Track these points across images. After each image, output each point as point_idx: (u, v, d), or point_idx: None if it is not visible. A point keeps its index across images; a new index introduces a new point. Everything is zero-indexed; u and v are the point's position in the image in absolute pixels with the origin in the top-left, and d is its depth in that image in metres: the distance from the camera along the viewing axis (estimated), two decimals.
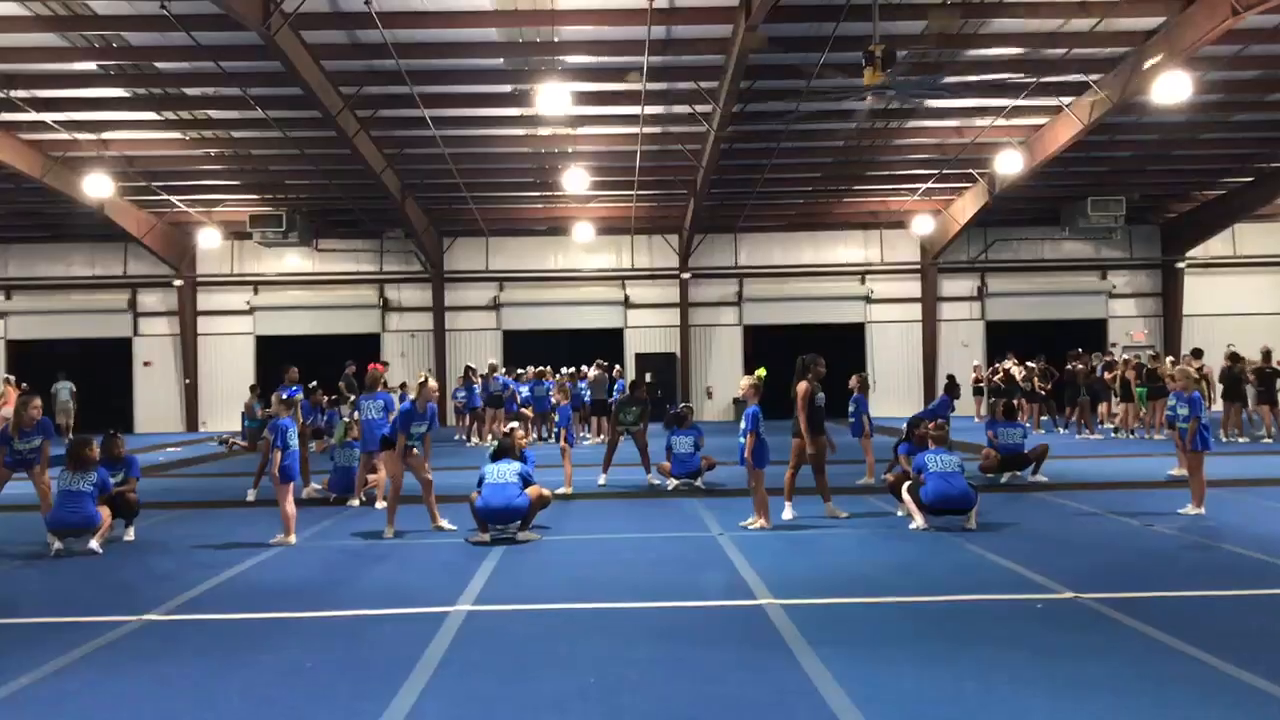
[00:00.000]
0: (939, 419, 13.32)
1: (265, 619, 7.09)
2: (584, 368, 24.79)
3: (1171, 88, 17.89)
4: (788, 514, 10.90)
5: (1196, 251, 32.07)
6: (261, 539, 10.25)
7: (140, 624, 6.91)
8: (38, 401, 10.81)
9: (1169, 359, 22.36)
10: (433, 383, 11.05)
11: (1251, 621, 6.66)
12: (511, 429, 11.06)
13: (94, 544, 9.70)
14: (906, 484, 10.71)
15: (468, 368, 24.53)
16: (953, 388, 15.23)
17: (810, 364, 11.14)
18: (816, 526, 10.60)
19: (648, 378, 31.26)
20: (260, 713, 5.10)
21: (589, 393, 24.07)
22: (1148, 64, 18.31)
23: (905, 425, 13.15)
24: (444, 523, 10.75)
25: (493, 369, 24.63)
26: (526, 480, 10.08)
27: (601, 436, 23.20)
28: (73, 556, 9.56)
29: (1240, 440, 19.75)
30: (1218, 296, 32.05)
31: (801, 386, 11.01)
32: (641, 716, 4.93)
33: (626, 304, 32.48)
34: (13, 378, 26.30)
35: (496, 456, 10.36)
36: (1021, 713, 4.90)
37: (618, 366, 26.47)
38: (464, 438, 23.72)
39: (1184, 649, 5.87)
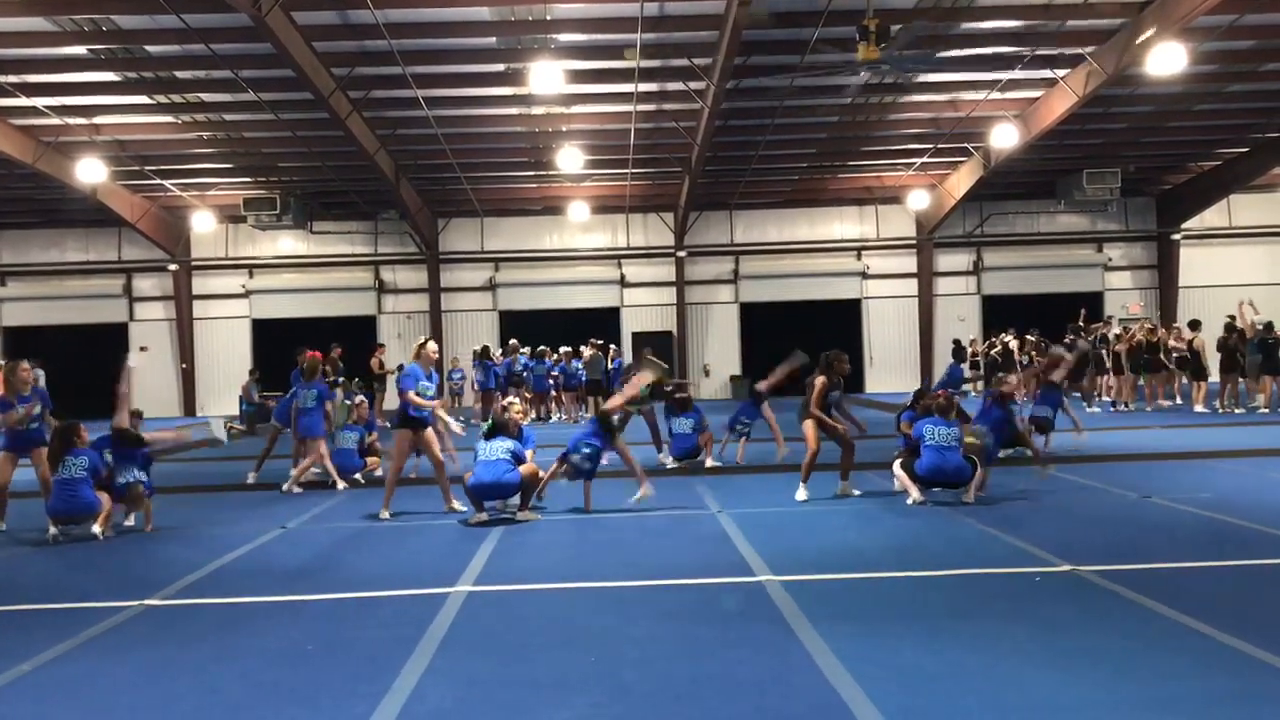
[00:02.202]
0: (949, 389, 13.41)
1: (265, 602, 7.10)
2: (581, 348, 24.75)
3: (1166, 59, 17.83)
4: (801, 495, 10.78)
5: (1192, 223, 32.09)
6: (261, 523, 10.26)
7: (141, 609, 6.91)
8: (26, 364, 10.63)
9: (1162, 330, 22.33)
10: (432, 345, 10.87)
11: (1250, 592, 6.68)
12: (509, 403, 11.04)
13: (95, 529, 9.67)
14: (899, 459, 10.71)
15: (485, 347, 24.34)
16: (959, 352, 15.18)
17: (833, 360, 10.98)
18: (814, 504, 10.58)
19: (648, 354, 31.31)
20: (263, 696, 5.10)
21: (584, 372, 24.05)
22: (1141, 38, 18.23)
23: (912, 395, 13.16)
24: (456, 504, 10.69)
25: (514, 348, 24.47)
26: (519, 458, 10.06)
27: None
28: (72, 542, 9.55)
29: (1237, 411, 19.78)
30: (1214, 268, 32.08)
31: (820, 381, 10.86)
32: (643, 694, 4.94)
33: (623, 283, 32.45)
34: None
35: (491, 435, 10.32)
36: (1021, 685, 4.92)
37: (613, 346, 26.45)
38: (467, 420, 23.62)
39: (1182, 620, 5.88)
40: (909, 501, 10.31)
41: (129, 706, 5.02)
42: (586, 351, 24.25)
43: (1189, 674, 5.00)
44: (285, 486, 12.66)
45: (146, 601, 7.09)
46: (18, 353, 28.76)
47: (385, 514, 10.48)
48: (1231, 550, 7.90)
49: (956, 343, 15.46)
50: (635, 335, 31.99)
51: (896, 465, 10.66)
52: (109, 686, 5.32)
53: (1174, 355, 21.44)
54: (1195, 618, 5.87)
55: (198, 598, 7.28)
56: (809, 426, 10.84)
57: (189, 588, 7.59)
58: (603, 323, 30.53)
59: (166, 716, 4.87)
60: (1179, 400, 22.10)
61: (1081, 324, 24.19)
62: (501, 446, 10.02)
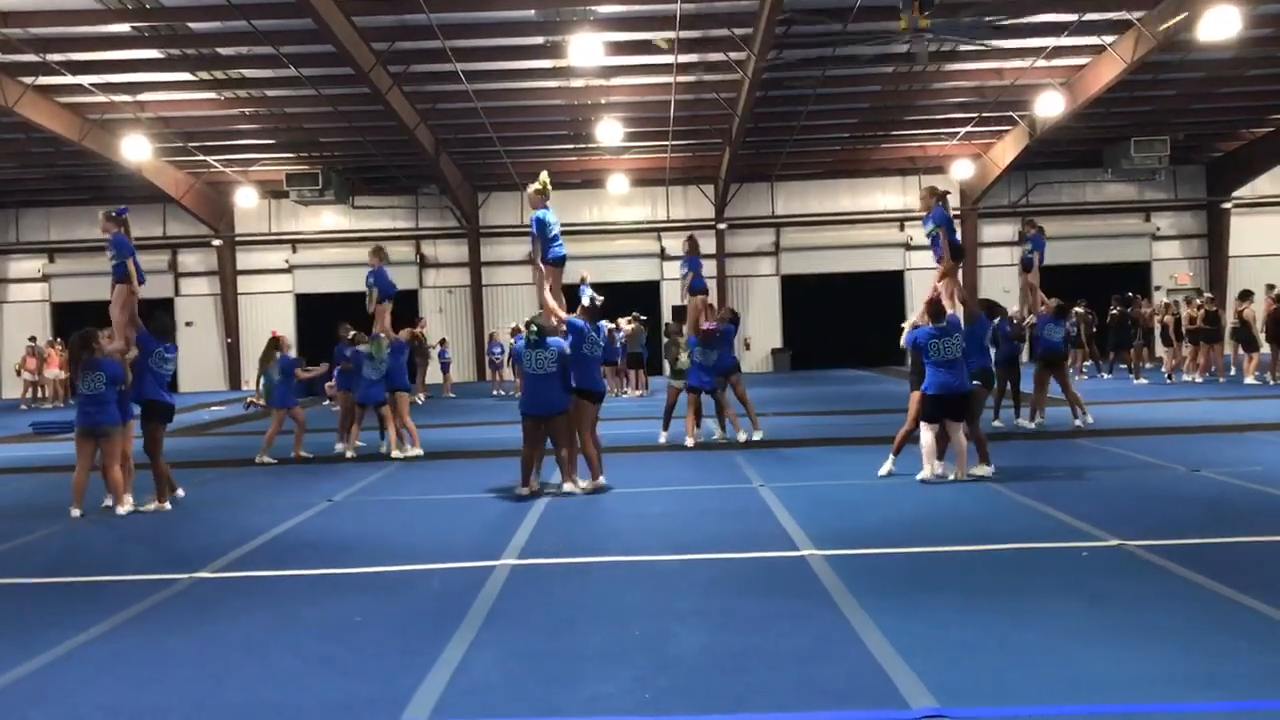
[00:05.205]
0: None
1: (313, 575, 7.18)
2: (621, 320, 24.69)
3: (1219, 23, 17.41)
4: (885, 469, 10.44)
5: (1244, 191, 31.45)
6: (308, 496, 10.37)
7: (190, 582, 7.02)
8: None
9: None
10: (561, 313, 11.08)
11: None
12: None
13: (121, 510, 9.68)
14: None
15: (525, 323, 24.31)
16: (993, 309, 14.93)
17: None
18: (851, 478, 10.48)
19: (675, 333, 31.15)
20: (313, 667, 5.17)
21: (624, 345, 24.02)
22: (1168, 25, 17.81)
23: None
24: (581, 482, 10.33)
25: None
26: None
27: (640, 391, 23.20)
28: (120, 518, 9.61)
29: None
30: (1266, 237, 31.41)
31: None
32: (687, 667, 4.96)
33: (663, 256, 32.36)
34: (59, 340, 26.80)
35: None
36: (1068, 662, 4.87)
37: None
38: (509, 392, 23.75)
39: (1233, 596, 5.80)
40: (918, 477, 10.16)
41: (181, 678, 5.09)
42: (626, 325, 24.21)
43: (1241, 651, 4.93)
44: (257, 458, 13.11)
45: (196, 575, 7.20)
46: (67, 328, 29.32)
47: (581, 485, 10.19)
48: None
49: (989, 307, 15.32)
50: (675, 309, 31.87)
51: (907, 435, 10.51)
52: (161, 659, 5.41)
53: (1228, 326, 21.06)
54: (1247, 593, 5.78)
55: (247, 570, 7.38)
56: (916, 400, 10.49)
57: (238, 561, 7.69)
58: (643, 296, 30.46)
59: (218, 689, 4.94)
60: (1233, 370, 21.75)
61: (1133, 294, 23.76)
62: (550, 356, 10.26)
